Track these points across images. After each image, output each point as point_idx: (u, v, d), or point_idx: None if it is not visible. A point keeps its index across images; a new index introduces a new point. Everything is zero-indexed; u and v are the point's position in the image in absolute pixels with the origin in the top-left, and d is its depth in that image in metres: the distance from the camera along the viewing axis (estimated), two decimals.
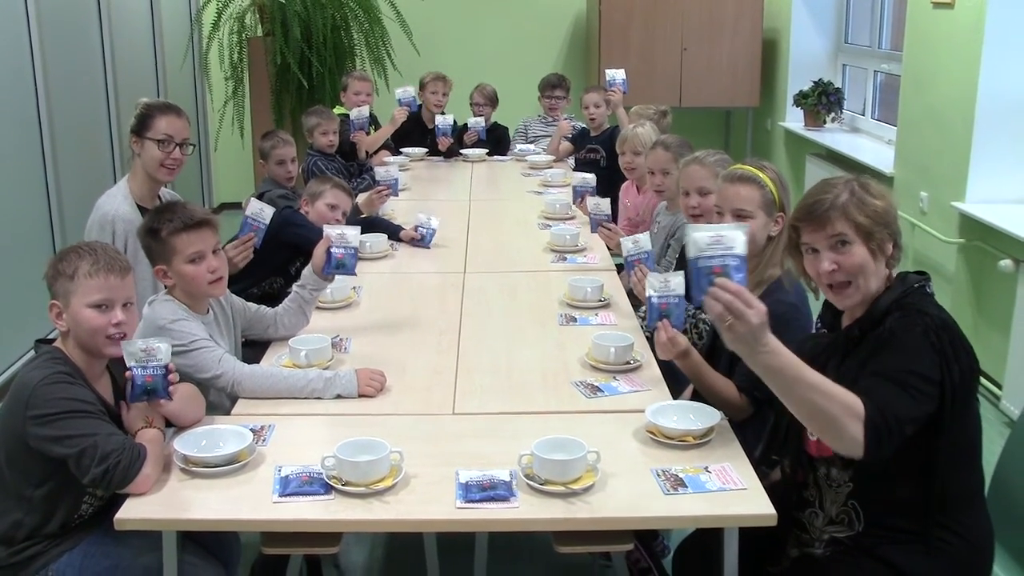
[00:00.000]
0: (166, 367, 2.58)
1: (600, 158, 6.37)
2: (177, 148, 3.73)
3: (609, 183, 5.76)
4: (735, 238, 2.13)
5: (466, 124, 7.11)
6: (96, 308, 2.56)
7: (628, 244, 3.74)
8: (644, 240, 3.75)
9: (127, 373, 2.56)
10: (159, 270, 3.06)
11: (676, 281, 2.97)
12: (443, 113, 6.96)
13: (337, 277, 3.53)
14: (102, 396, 2.61)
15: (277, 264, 4.36)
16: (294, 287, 3.49)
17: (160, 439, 2.58)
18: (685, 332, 3.65)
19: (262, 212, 3.83)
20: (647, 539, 3.27)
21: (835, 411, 2.11)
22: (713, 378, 2.99)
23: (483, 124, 7.02)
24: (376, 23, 8.11)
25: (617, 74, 6.40)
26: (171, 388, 2.60)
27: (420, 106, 6.86)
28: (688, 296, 2.19)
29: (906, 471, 2.27)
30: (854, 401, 2.11)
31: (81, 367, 2.59)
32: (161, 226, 3.01)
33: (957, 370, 2.21)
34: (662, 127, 5.34)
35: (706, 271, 2.14)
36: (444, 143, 6.84)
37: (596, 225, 4.41)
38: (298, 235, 4.23)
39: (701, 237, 2.17)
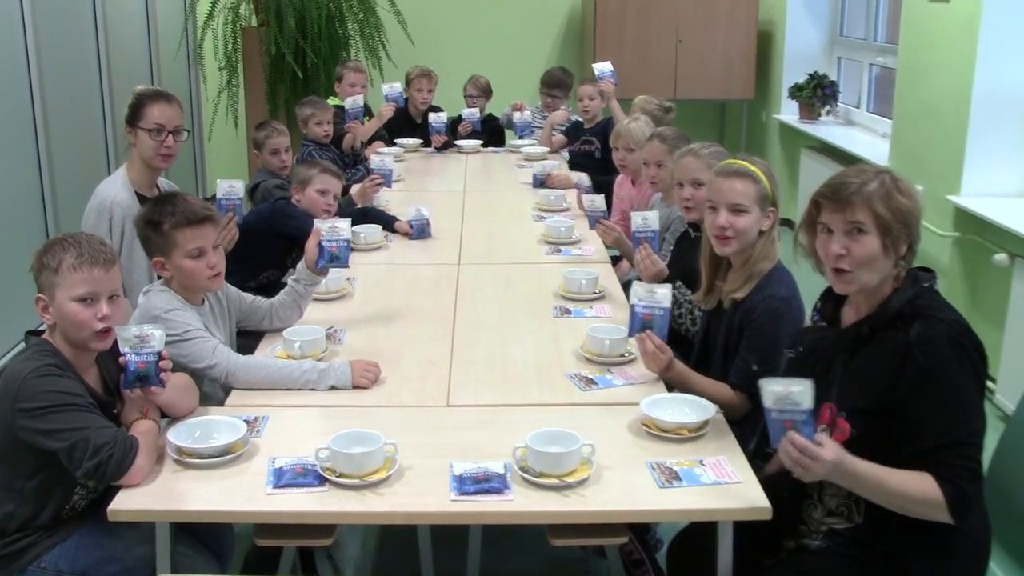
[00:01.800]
0: (159, 354, 2.57)
1: (595, 149, 6.37)
2: (170, 136, 3.73)
3: (604, 173, 5.75)
4: (803, 395, 2.18)
5: (460, 116, 7.11)
6: (81, 302, 2.53)
7: (638, 219, 3.79)
8: (653, 218, 3.79)
9: (121, 359, 2.55)
10: (157, 262, 3.04)
11: (662, 292, 2.97)
12: (433, 108, 6.96)
13: (331, 268, 3.52)
14: (92, 388, 2.59)
15: (272, 256, 4.35)
16: (289, 281, 3.48)
17: (155, 430, 2.57)
18: (679, 318, 3.66)
19: (232, 188, 3.87)
20: (640, 531, 3.26)
21: (921, 509, 2.22)
22: (703, 384, 2.98)
23: (478, 115, 7.02)
24: (371, 13, 8.09)
25: (605, 67, 6.38)
26: (163, 375, 2.58)
27: (406, 100, 6.85)
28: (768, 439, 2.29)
29: (912, 467, 2.26)
30: (935, 495, 2.19)
31: (70, 359, 2.56)
32: (163, 219, 2.99)
33: (983, 370, 2.26)
34: (664, 124, 5.32)
35: (779, 424, 2.21)
36: (438, 140, 6.83)
37: (594, 222, 4.43)
38: (293, 227, 4.23)
39: (773, 393, 2.20)
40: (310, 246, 3.40)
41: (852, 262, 2.35)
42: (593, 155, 6.35)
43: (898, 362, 2.26)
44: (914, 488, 2.20)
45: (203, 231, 3.02)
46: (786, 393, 2.18)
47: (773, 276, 3.05)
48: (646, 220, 3.79)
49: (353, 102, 6.13)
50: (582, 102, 6.45)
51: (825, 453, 2.15)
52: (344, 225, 3.41)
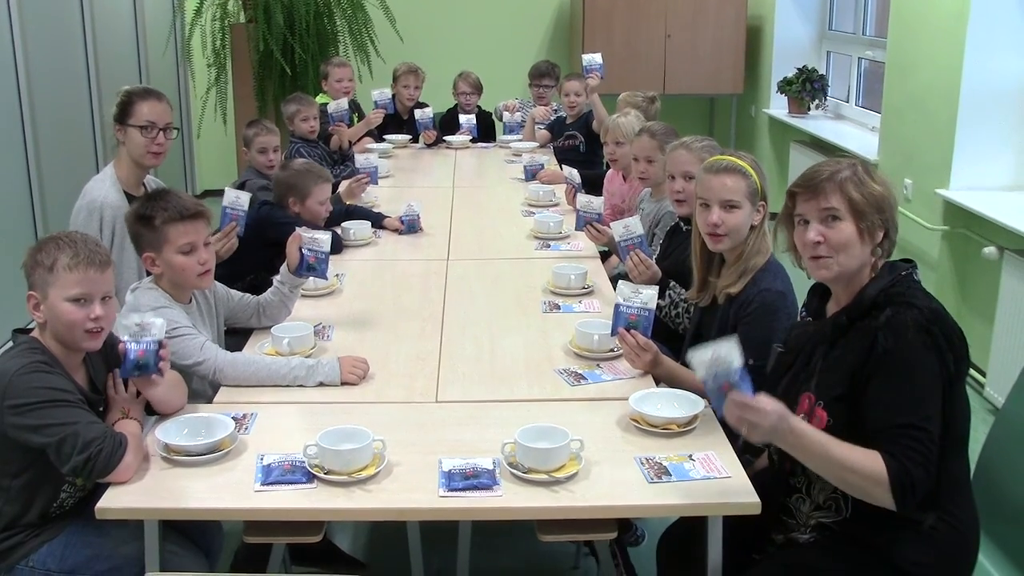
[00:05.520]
0: (159, 343, 2.59)
1: (579, 143, 6.36)
2: (161, 133, 3.72)
3: (590, 167, 5.74)
4: (731, 354, 2.19)
5: (450, 111, 7.09)
6: (74, 302, 2.51)
7: (619, 228, 3.72)
8: (635, 224, 3.72)
9: (120, 347, 2.56)
10: (147, 258, 3.04)
11: (648, 294, 2.96)
12: (419, 105, 6.94)
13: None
14: (80, 386, 2.58)
15: (259, 260, 4.30)
16: (274, 282, 3.46)
17: (138, 430, 2.56)
18: (676, 317, 3.66)
19: (238, 200, 3.84)
20: (621, 528, 3.25)
21: (861, 483, 2.20)
22: (694, 380, 2.97)
23: (475, 121, 6.98)
24: (359, 9, 8.06)
25: (594, 58, 6.34)
26: (162, 364, 2.60)
27: (394, 97, 6.82)
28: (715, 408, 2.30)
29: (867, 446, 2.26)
30: (878, 469, 2.17)
31: (59, 358, 2.55)
32: (155, 214, 2.99)
33: (951, 359, 2.24)
34: (650, 114, 5.31)
35: (717, 390, 2.22)
36: (429, 136, 6.82)
37: (584, 222, 4.31)
38: (283, 233, 4.15)
39: (702, 362, 2.22)
40: (291, 251, 3.38)
41: (829, 248, 2.37)
42: (577, 149, 6.34)
43: (867, 347, 2.28)
44: (859, 460, 2.19)
45: (195, 227, 3.02)
46: (714, 357, 2.19)
47: (768, 270, 3.05)
48: (628, 227, 3.71)
49: (337, 105, 6.12)
50: (568, 97, 6.44)
51: (767, 405, 2.17)
52: (324, 238, 3.41)
